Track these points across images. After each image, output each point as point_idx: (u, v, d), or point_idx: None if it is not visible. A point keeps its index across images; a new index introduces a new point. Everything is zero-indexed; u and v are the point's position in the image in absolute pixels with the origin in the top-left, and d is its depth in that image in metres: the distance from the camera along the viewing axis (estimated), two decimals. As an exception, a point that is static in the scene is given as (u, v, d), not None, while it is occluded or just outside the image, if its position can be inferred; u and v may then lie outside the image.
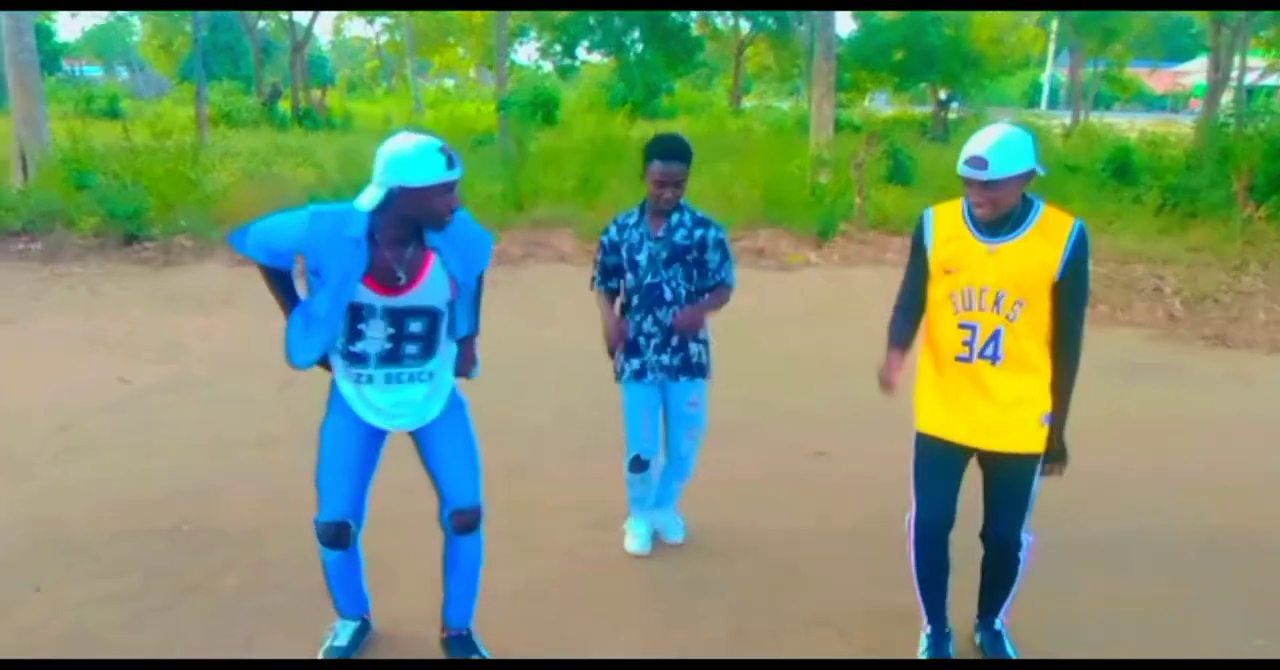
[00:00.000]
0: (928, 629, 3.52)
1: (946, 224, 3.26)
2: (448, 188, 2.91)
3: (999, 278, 3.14)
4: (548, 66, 38.71)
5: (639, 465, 4.17)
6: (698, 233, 3.96)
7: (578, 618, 3.76)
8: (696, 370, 4.08)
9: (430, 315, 3.07)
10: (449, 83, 53.75)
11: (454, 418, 3.28)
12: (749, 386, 6.29)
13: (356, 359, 3.09)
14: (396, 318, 3.03)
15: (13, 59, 11.80)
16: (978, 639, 3.55)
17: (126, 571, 3.99)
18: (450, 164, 2.88)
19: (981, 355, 3.18)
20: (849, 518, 4.63)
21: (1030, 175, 3.09)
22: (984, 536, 3.40)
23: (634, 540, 4.35)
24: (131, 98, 35.24)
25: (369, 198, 2.91)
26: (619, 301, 4.12)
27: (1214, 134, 15.22)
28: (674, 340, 4.01)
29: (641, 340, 4.02)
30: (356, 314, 3.02)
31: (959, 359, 3.22)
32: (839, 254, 10.35)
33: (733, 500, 4.75)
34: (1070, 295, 3.16)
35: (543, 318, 7.84)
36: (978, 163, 3.04)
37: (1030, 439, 3.22)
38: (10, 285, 8.60)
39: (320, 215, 3.00)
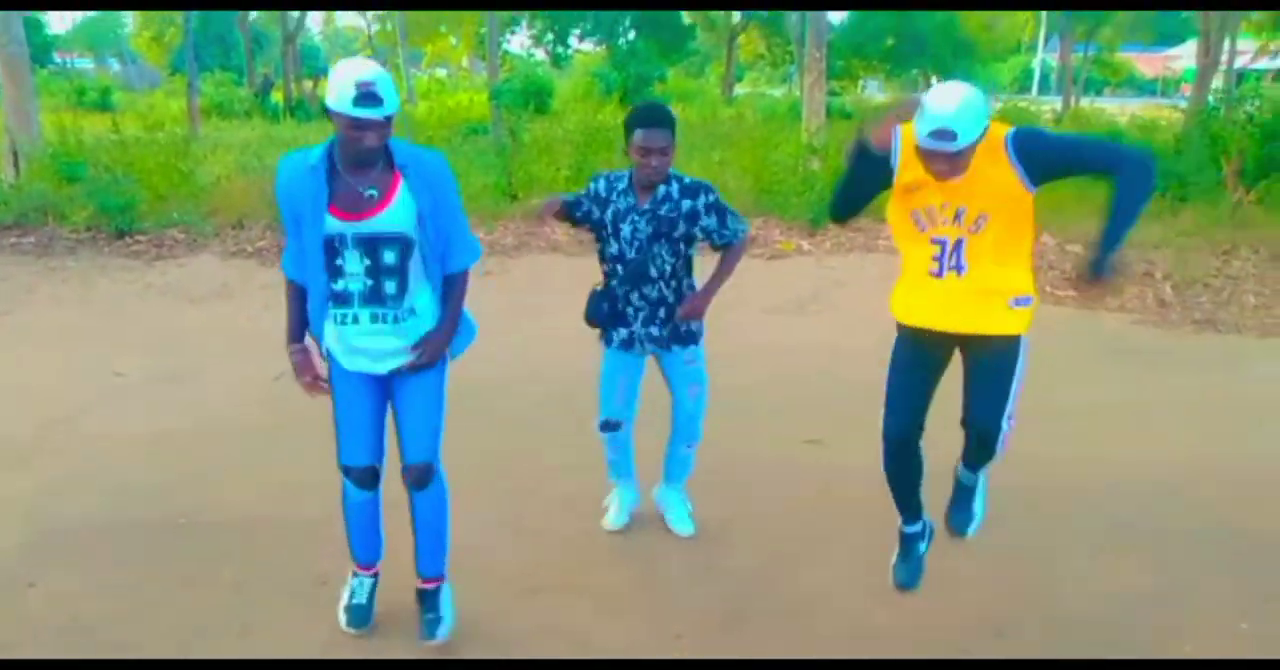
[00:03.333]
0: (900, 521, 3.66)
1: (911, 146, 3.11)
2: (353, 124, 2.83)
3: (953, 195, 3.11)
4: (540, 55, 38.65)
5: (609, 426, 4.15)
6: (685, 204, 3.82)
7: (576, 608, 3.77)
8: (688, 338, 4.01)
9: (401, 242, 3.05)
10: (442, 72, 53.51)
11: (429, 372, 3.25)
12: (741, 375, 6.31)
13: (341, 300, 3.12)
14: (370, 247, 3.03)
15: (1, 52, 11.74)
16: (957, 472, 3.67)
17: (123, 564, 4.01)
18: (358, 102, 2.78)
19: (948, 268, 3.21)
20: (843, 504, 4.66)
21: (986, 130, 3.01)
22: (963, 423, 3.41)
23: (610, 515, 4.35)
24: (124, 90, 35.14)
25: None
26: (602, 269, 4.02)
27: (1204, 118, 15.22)
28: (662, 312, 3.94)
29: (629, 311, 3.94)
30: (331, 249, 3.03)
31: (931, 274, 3.25)
32: (831, 241, 10.34)
33: (727, 487, 4.76)
34: (1076, 163, 3.20)
35: (536, 307, 7.84)
36: (946, 135, 2.91)
37: (1002, 321, 3.24)
38: (3, 279, 8.57)
39: (287, 157, 3.09)
